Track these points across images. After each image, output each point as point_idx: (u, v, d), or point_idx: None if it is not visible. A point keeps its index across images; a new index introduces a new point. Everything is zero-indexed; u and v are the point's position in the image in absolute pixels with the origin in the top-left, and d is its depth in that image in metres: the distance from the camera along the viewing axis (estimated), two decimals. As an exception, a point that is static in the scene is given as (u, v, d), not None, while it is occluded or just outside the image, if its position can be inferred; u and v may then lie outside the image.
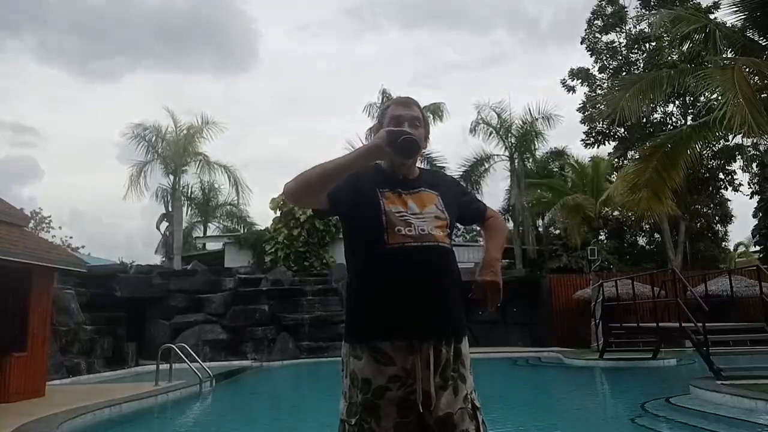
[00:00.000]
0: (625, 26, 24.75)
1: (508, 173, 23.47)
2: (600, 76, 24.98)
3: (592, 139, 24.96)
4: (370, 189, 1.85)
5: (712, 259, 25.22)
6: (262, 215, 54.73)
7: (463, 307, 1.89)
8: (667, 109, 23.61)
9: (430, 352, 1.73)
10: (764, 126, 8.37)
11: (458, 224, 2.20)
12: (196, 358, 11.59)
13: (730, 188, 24.29)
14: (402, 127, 1.89)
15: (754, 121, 8.02)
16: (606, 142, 24.99)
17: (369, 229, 1.79)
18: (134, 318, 16.49)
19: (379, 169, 1.94)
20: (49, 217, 29.27)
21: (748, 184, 24.74)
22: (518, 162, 23.02)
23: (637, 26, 24.38)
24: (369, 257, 1.82)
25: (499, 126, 22.79)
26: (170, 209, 23.81)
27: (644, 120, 21.89)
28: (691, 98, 21.24)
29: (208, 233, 28.80)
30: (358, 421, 1.72)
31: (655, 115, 23.48)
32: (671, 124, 22.88)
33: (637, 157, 18.10)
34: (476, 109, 22.84)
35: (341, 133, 58.49)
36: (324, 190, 1.75)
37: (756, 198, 24.90)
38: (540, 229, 25.80)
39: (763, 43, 10.64)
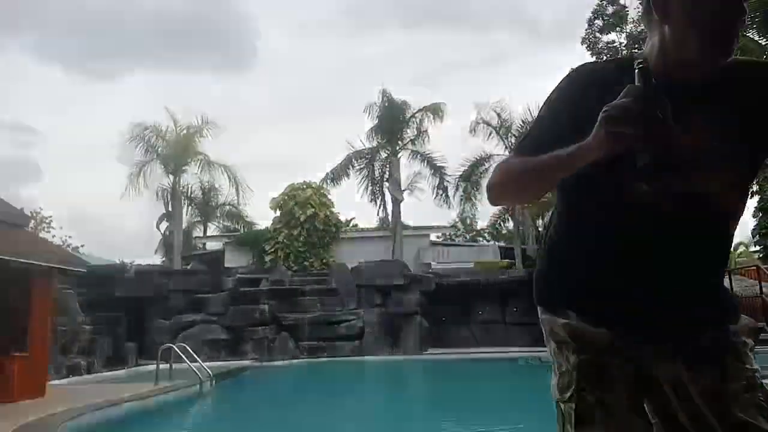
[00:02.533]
0: (625, 26, 24.77)
1: (508, 173, 23.48)
2: (600, 76, 25.02)
3: (592, 138, 24.98)
4: None
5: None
6: (262, 215, 54.70)
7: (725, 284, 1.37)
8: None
9: (671, 350, 1.25)
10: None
11: None
12: (196, 358, 11.59)
13: (730, 188, 24.27)
14: (730, 44, 1.18)
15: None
16: (606, 142, 25.00)
17: (597, 182, 1.21)
18: (134, 318, 16.49)
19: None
20: (50, 217, 29.23)
21: (748, 183, 24.74)
22: (518, 162, 23.04)
23: (638, 26, 24.40)
24: (596, 221, 1.28)
25: (499, 126, 22.79)
26: (170, 209, 23.82)
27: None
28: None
29: (208, 233, 28.80)
30: (576, 392, 1.25)
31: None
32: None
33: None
34: (476, 109, 22.88)
35: (341, 133, 58.48)
36: (539, 195, 1.38)
37: (756, 198, 24.90)
38: (540, 229, 25.79)
39: (763, 43, 10.65)
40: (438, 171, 23.15)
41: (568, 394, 1.26)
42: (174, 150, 22.18)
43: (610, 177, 1.19)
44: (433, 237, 24.07)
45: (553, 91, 1.35)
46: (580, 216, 1.32)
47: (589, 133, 1.10)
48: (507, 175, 1.34)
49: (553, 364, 1.35)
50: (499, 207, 27.20)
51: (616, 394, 1.22)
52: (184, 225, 24.72)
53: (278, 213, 21.85)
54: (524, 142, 1.36)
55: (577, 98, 1.25)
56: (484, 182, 19.48)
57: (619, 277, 1.26)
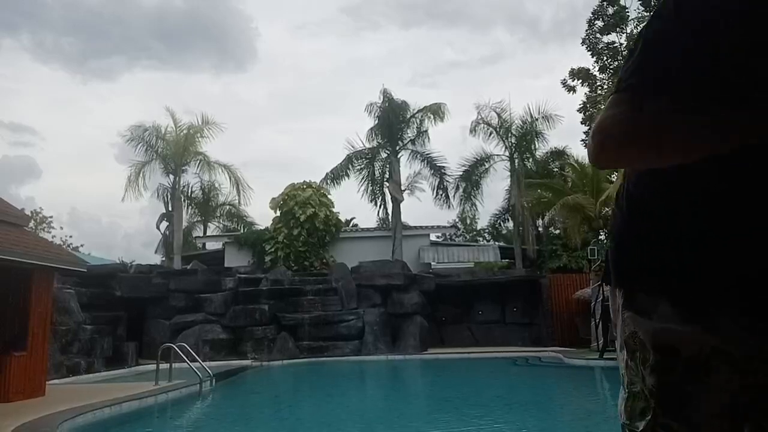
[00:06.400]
0: (625, 27, 24.78)
1: (508, 173, 23.50)
2: (600, 76, 24.99)
3: (592, 139, 24.96)
4: None
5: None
6: (262, 215, 54.70)
7: None
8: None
9: None
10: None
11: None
12: (196, 357, 11.59)
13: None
14: None
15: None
16: (606, 143, 24.98)
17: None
18: (134, 318, 16.49)
19: None
20: (50, 217, 29.31)
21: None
22: (518, 162, 23.02)
23: (638, 27, 24.40)
24: (712, 173, 0.96)
25: (499, 126, 22.80)
26: (170, 209, 23.83)
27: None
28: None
29: (208, 233, 28.81)
30: (652, 426, 0.98)
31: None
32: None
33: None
34: (476, 109, 22.88)
35: (341, 133, 58.48)
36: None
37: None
38: (540, 229, 25.78)
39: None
40: (438, 171, 23.15)
41: (641, 425, 0.99)
42: (174, 150, 22.20)
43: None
44: (433, 237, 24.05)
45: None
46: (687, 168, 0.96)
47: None
48: (659, 129, 0.94)
49: (623, 378, 1.08)
50: (499, 207, 27.23)
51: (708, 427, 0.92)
52: (184, 225, 24.72)
53: (278, 213, 21.86)
54: (650, 77, 0.97)
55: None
56: (484, 182, 19.15)
57: (741, 251, 0.94)
